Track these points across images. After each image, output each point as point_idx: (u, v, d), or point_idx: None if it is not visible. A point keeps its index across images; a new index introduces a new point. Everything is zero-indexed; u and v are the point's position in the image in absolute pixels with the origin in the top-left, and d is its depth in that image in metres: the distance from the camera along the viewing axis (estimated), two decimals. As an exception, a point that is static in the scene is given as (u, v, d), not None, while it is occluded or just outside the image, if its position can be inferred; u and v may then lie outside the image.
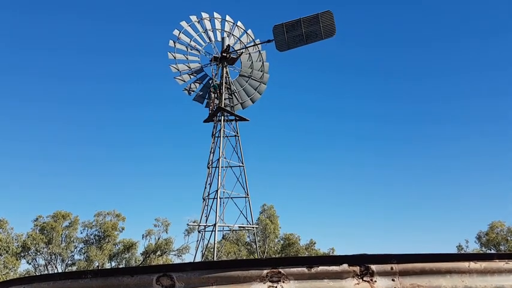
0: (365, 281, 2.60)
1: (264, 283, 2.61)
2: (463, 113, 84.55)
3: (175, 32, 26.02)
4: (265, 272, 2.63)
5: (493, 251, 40.26)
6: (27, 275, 37.02)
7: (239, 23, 28.20)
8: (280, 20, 27.74)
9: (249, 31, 28.23)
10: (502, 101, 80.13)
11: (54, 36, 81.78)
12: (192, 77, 26.45)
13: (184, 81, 25.97)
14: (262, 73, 28.00)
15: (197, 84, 26.62)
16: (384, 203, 75.14)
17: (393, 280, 2.61)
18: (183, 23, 26.36)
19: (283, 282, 2.61)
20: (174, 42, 25.91)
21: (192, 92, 26.33)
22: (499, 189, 71.90)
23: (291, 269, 2.63)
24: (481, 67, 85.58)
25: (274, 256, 40.60)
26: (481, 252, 41.06)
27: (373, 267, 2.61)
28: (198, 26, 26.84)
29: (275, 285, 2.60)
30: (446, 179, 77.34)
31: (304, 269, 2.62)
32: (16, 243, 37.25)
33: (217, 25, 27.66)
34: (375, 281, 2.60)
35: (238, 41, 27.80)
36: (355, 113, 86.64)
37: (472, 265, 2.71)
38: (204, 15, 27.17)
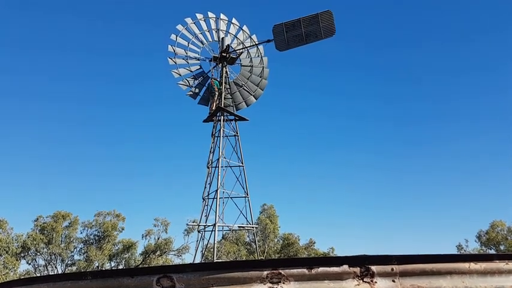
0: (365, 282, 2.60)
1: (264, 284, 2.61)
2: (463, 112, 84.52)
3: (173, 37, 25.96)
4: (265, 273, 2.63)
5: (492, 251, 40.27)
6: (27, 275, 36.96)
7: (234, 20, 28.17)
8: (279, 20, 27.68)
9: (244, 27, 28.17)
10: (502, 99, 79.97)
11: (55, 37, 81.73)
12: (190, 76, 26.42)
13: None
14: (261, 73, 27.96)
15: (196, 83, 26.57)
16: (384, 203, 75.06)
17: (393, 281, 2.61)
18: (179, 27, 26.30)
19: (284, 283, 2.60)
20: (173, 47, 25.87)
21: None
22: (500, 188, 71.79)
23: (291, 270, 2.63)
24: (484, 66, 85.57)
25: (273, 256, 40.61)
26: (481, 251, 41.07)
27: (374, 268, 2.61)
28: (194, 27, 26.81)
29: (275, 286, 2.60)
30: (446, 179, 77.30)
31: (305, 270, 2.62)
32: (16, 243, 37.20)
33: (213, 25, 27.66)
34: (375, 282, 2.59)
35: (238, 41, 27.78)
36: (354, 113, 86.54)
37: (473, 266, 2.71)
38: (199, 16, 27.18)
